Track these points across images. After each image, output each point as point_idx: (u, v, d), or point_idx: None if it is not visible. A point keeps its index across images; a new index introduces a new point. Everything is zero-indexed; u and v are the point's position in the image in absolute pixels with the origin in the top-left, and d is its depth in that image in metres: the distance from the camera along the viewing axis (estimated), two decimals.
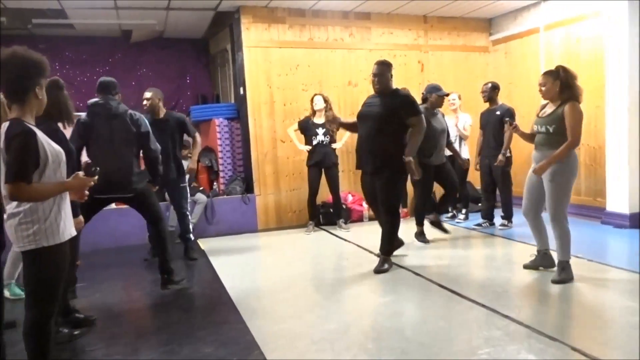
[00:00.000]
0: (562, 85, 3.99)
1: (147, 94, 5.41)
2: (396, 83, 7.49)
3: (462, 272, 4.62)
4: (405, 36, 7.92)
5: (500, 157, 5.93)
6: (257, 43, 7.08)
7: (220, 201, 7.01)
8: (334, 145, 6.63)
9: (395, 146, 4.54)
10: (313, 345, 3.07)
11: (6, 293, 4.09)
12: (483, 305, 3.61)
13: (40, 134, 2.42)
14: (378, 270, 4.62)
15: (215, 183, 7.35)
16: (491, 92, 6.28)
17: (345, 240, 6.18)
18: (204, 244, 6.31)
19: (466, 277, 4.47)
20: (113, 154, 4.00)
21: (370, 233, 5.89)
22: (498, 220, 6.43)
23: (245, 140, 7.29)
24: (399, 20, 7.82)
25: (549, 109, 4.12)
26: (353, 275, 4.66)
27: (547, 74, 4.09)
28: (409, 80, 7.74)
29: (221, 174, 7.36)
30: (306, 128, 6.66)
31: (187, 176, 5.74)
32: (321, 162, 6.61)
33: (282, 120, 7.22)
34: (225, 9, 7.08)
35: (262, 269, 5.29)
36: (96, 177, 2.58)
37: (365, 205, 7.07)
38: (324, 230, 6.82)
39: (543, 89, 4.07)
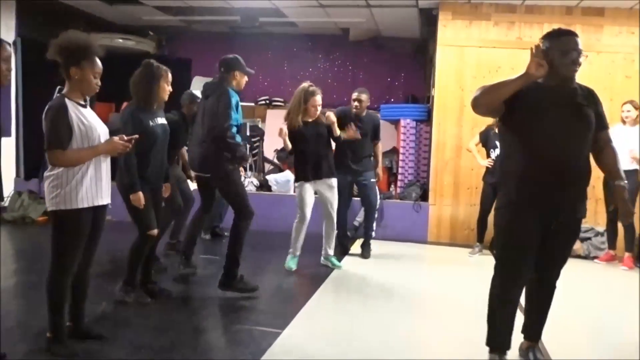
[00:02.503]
0: None
1: (358, 95, 5.38)
2: (629, 96, 6.06)
3: None
4: None
5: None
6: (453, 41, 6.55)
7: (392, 205, 6.75)
8: None
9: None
10: None
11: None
12: None
13: (73, 109, 2.70)
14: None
15: (392, 185, 7.11)
16: None
17: None
18: (359, 244, 6.17)
19: None
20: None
21: None
22: None
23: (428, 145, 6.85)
24: None
25: None
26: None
27: None
28: None
29: (399, 177, 7.07)
30: (486, 138, 5.89)
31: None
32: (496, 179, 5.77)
33: (470, 127, 6.52)
34: (427, 6, 6.73)
35: (378, 283, 4.76)
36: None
37: None
38: (494, 256, 5.93)
39: None
